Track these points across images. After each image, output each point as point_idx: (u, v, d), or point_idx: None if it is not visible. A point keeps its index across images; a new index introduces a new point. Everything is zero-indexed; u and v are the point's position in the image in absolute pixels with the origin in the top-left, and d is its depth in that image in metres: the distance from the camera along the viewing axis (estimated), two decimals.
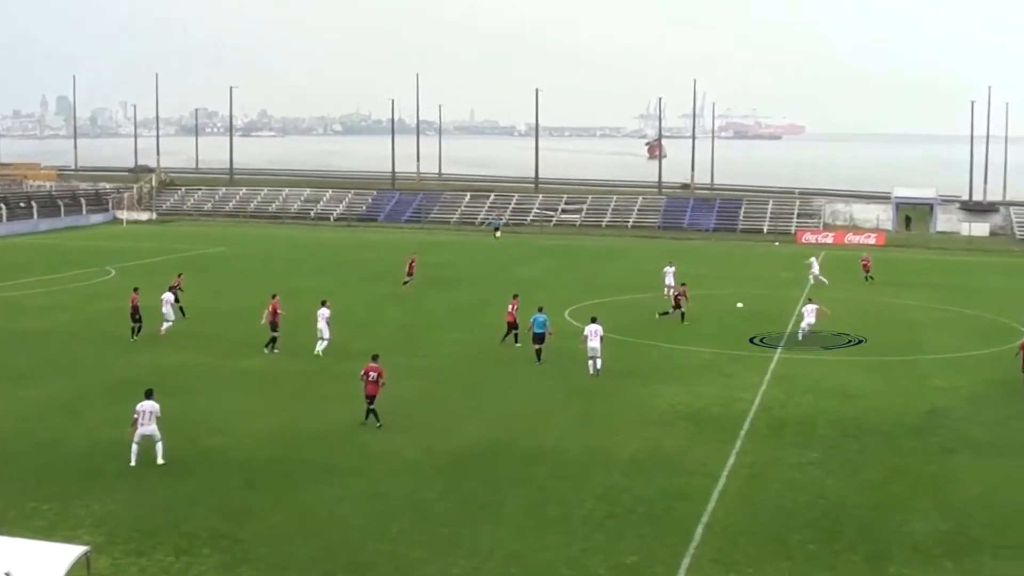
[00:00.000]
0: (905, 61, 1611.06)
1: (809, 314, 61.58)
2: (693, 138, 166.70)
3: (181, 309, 63.75)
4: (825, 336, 61.57)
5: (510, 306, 58.18)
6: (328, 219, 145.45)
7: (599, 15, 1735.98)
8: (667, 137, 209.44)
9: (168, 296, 60.93)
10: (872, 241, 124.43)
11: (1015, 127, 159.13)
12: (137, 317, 58.25)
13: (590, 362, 50.99)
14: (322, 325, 54.85)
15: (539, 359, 53.27)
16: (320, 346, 54.56)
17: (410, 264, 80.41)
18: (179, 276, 68.79)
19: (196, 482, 34.59)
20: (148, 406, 36.22)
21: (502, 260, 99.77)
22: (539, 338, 53.67)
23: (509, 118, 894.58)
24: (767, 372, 52.05)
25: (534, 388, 48.25)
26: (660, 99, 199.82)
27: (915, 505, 33.43)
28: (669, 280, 75.50)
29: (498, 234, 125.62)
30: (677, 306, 65.59)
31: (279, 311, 55.99)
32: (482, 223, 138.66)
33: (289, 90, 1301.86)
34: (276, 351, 55.07)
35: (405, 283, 79.06)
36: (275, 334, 55.57)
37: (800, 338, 60.70)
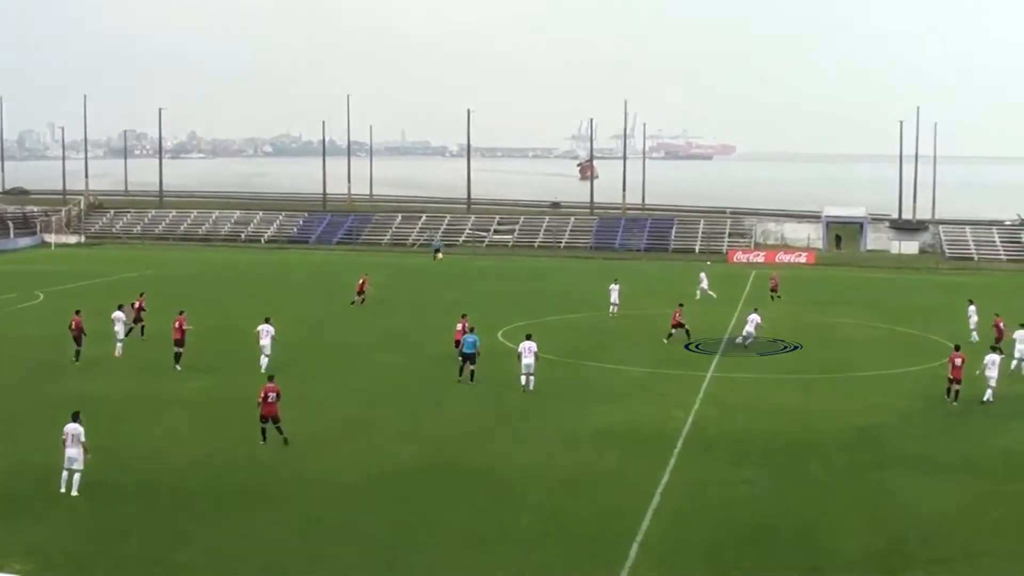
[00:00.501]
0: (835, 81, 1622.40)
1: (751, 323, 62.86)
2: (624, 158, 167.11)
3: (142, 329, 64.14)
4: (762, 342, 62.46)
5: (459, 325, 58.02)
6: (259, 241, 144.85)
7: (531, 36, 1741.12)
8: (599, 158, 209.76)
9: (119, 315, 60.45)
10: (803, 260, 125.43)
11: (943, 147, 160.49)
12: (80, 339, 57.75)
13: (523, 378, 51.43)
14: (266, 341, 55.30)
15: (472, 379, 53.15)
16: (264, 362, 54.59)
17: (361, 284, 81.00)
18: (141, 296, 68.16)
19: (129, 508, 34.14)
20: (71, 428, 35.56)
21: (435, 281, 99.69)
22: (469, 358, 53.60)
23: (441, 138, 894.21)
24: (700, 391, 52.21)
25: (469, 409, 48.13)
26: (592, 120, 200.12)
27: (848, 521, 33.59)
28: (614, 298, 76.97)
29: (439, 255, 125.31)
30: (680, 325, 65.84)
31: (184, 327, 56.27)
32: (413, 244, 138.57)
33: (219, 111, 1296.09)
34: (179, 368, 55.45)
35: (353, 303, 79.62)
36: (179, 350, 55.86)
37: (739, 342, 63.34)
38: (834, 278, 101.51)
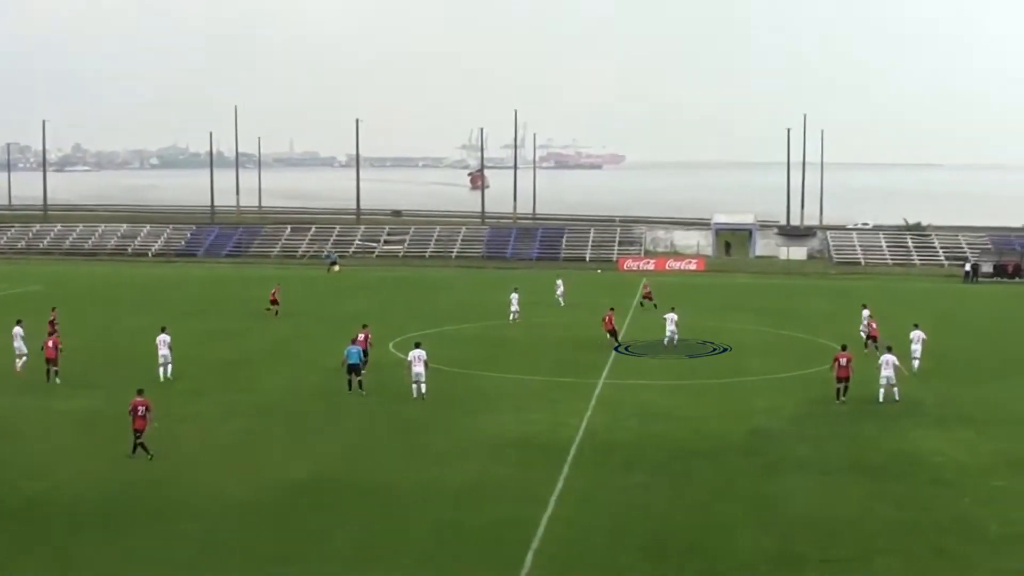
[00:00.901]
0: (724, 90, 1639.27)
1: (670, 322, 65.31)
2: (515, 168, 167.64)
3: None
4: (691, 344, 63.25)
5: (361, 335, 57.67)
6: (146, 255, 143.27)
7: (420, 45, 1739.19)
8: (489, 167, 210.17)
9: (18, 330, 59.88)
10: (693, 267, 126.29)
11: (831, 153, 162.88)
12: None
13: (414, 386, 51.70)
14: (164, 351, 56.38)
15: (361, 388, 53.17)
16: (163, 372, 55.74)
17: (273, 294, 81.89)
18: (53, 311, 68.29)
19: (20, 528, 33.62)
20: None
21: (326, 293, 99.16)
22: (354, 369, 53.55)
23: (329, 149, 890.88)
24: (592, 398, 52.31)
25: (361, 422, 47.81)
26: (482, 129, 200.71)
27: (741, 524, 33.85)
28: (515, 306, 78.53)
29: (336, 267, 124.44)
30: (612, 332, 67.43)
31: (59, 345, 56.57)
32: (303, 256, 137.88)
33: (104, 123, 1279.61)
34: (58, 381, 55.42)
35: (268, 309, 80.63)
36: (53, 367, 55.81)
37: (666, 344, 64.90)
38: (724, 285, 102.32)
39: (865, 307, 71.00)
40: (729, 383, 56.92)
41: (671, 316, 67.04)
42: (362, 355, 54.44)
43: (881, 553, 31.54)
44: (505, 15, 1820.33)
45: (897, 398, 51.37)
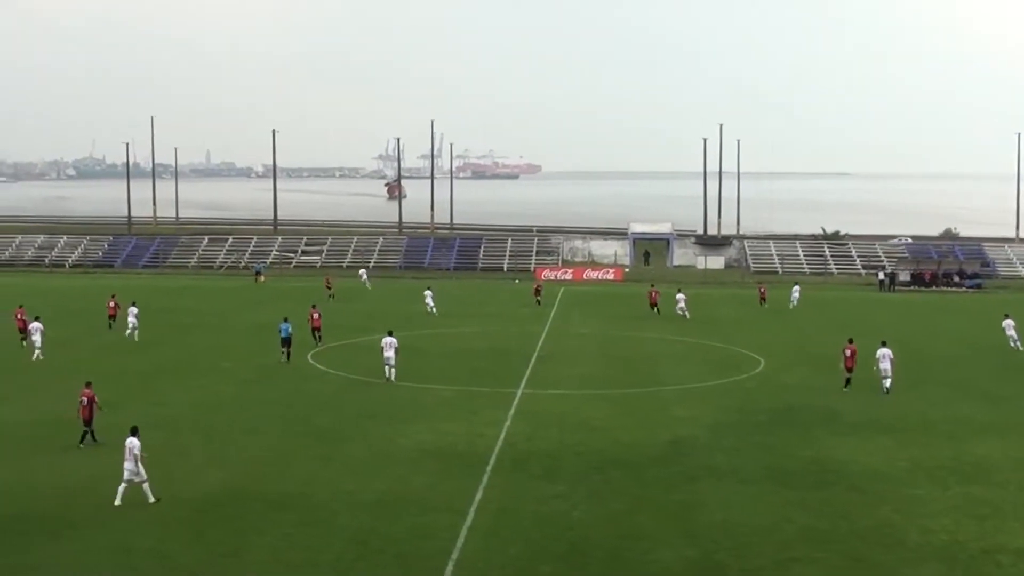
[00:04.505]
0: (638, 99, 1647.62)
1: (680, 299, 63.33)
2: (432, 178, 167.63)
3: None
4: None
5: (315, 314, 71.37)
6: (64, 266, 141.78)
7: (338, 55, 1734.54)
8: (407, 178, 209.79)
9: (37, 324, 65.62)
10: (611, 276, 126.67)
11: (747, 163, 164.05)
12: None
13: (386, 369, 58.39)
14: (36, 337, 64.73)
15: (288, 359, 63.94)
16: (36, 355, 63.97)
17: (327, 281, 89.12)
18: (20, 307, 72.73)
19: None
20: (130, 443, 37.06)
21: (238, 304, 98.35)
22: (286, 342, 64.46)
23: (246, 159, 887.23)
24: (511, 407, 52.18)
25: (278, 432, 47.37)
26: (399, 140, 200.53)
27: (661, 533, 33.81)
28: (430, 302, 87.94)
29: (261, 278, 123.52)
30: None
31: None
32: (220, 266, 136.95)
33: (19, 133, 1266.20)
34: None
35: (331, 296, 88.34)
36: None
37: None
38: (641, 294, 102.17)
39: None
40: (647, 392, 57.00)
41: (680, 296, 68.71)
42: (289, 331, 64.70)
43: (799, 561, 31.58)
44: (420, 23, 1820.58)
45: (887, 388, 55.89)
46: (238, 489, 38.54)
